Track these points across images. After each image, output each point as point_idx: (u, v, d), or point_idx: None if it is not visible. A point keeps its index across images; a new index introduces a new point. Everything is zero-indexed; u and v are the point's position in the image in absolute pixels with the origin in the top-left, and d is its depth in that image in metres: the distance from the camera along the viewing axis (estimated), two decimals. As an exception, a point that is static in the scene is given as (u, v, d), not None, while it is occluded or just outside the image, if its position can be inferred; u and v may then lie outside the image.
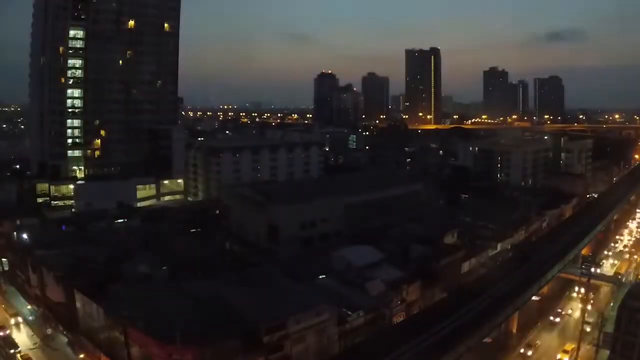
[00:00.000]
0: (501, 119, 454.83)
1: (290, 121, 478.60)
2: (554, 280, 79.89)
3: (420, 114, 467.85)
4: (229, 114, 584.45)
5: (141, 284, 64.80)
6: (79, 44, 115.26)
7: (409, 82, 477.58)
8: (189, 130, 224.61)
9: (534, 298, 72.61)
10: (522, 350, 66.30)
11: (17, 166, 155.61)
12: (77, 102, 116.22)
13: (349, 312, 55.95)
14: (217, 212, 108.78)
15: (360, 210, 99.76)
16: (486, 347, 61.03)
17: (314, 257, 76.52)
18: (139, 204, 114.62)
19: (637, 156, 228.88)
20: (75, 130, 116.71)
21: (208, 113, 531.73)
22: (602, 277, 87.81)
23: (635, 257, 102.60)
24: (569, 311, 78.90)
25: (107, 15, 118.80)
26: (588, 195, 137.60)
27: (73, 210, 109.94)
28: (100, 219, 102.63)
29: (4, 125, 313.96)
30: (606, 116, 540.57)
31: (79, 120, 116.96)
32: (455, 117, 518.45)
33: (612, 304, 75.29)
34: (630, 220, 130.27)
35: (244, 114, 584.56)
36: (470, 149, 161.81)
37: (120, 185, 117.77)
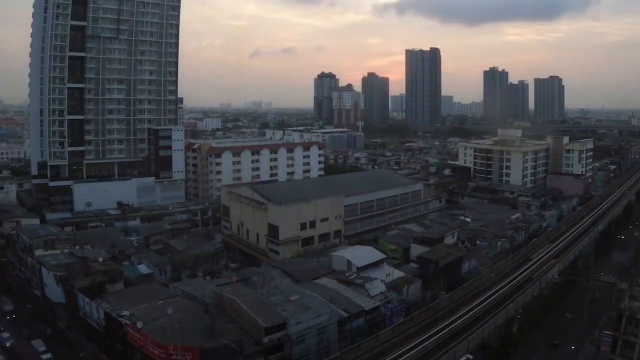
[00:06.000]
0: (501, 119, 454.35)
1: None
2: (554, 280, 79.90)
3: (421, 114, 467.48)
4: (230, 114, 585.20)
5: (141, 284, 64.91)
6: (78, 44, 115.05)
7: (409, 82, 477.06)
8: (189, 130, 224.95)
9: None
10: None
11: (17, 166, 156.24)
12: (77, 102, 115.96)
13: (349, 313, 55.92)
14: (217, 212, 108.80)
15: (360, 211, 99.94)
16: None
17: (314, 257, 76.59)
18: (138, 204, 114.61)
19: (638, 156, 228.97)
20: (75, 130, 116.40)
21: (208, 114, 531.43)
22: (602, 278, 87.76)
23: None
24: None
25: (107, 15, 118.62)
26: (588, 195, 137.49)
27: (73, 210, 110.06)
28: (100, 219, 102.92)
29: (4, 126, 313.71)
30: (607, 116, 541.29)
31: (79, 120, 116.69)
32: (455, 116, 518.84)
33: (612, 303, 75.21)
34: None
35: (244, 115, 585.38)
36: (471, 149, 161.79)
37: (120, 185, 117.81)
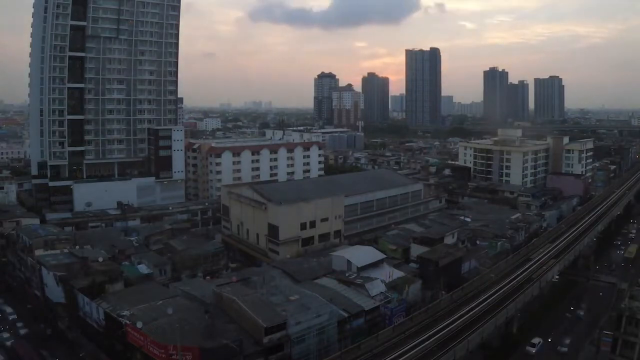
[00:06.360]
0: (501, 119, 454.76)
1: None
2: (554, 280, 79.89)
3: (421, 114, 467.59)
4: (230, 114, 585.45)
5: (141, 284, 64.92)
6: (78, 44, 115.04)
7: (409, 82, 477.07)
8: (189, 130, 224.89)
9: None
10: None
11: (17, 166, 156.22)
12: (77, 102, 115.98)
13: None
14: (217, 212, 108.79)
15: (360, 211, 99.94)
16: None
17: (314, 257, 76.57)
18: (138, 204, 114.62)
19: (638, 156, 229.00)
20: (75, 130, 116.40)
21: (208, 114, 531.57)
22: (602, 278, 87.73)
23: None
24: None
25: (107, 15, 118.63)
26: (588, 195, 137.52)
27: (73, 210, 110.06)
28: (100, 219, 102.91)
29: (4, 126, 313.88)
30: (607, 116, 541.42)
31: (79, 120, 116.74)
32: (455, 116, 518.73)
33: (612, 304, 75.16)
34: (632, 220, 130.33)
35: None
36: (471, 149, 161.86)
37: (120, 185, 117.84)
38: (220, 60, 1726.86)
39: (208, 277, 72.99)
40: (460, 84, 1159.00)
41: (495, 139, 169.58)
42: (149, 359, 46.91)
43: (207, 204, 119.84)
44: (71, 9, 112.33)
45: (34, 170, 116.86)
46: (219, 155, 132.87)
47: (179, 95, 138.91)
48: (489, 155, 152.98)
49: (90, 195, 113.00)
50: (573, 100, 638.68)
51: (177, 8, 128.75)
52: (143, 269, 70.55)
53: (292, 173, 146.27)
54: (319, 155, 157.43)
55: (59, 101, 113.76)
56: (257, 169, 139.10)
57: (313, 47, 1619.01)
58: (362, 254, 70.23)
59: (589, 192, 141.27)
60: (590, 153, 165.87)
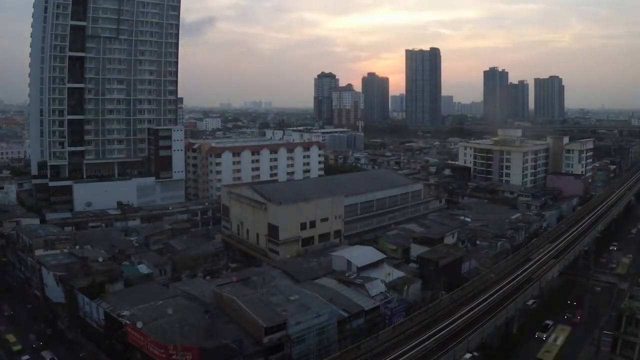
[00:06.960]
0: (501, 119, 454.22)
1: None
2: (554, 280, 79.87)
3: (421, 114, 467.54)
4: (230, 114, 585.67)
5: (141, 284, 64.92)
6: (78, 44, 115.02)
7: (409, 82, 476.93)
8: (189, 130, 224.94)
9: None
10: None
11: (17, 166, 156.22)
12: (77, 102, 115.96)
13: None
14: (217, 212, 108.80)
15: (360, 211, 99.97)
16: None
17: (314, 257, 76.59)
18: (138, 204, 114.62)
19: (638, 156, 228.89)
20: (75, 130, 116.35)
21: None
22: (602, 278, 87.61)
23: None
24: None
25: (107, 15, 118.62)
26: (588, 195, 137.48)
27: (73, 210, 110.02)
28: (100, 219, 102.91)
29: (4, 126, 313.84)
30: (607, 116, 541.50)
31: (79, 120, 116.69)
32: (455, 116, 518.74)
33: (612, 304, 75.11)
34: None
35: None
36: (471, 149, 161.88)
37: (120, 185, 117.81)
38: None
39: (208, 277, 73.06)
40: (462, 83, 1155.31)
41: (495, 139, 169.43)
42: (149, 359, 46.91)
43: (207, 204, 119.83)
44: (71, 9, 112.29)
45: (34, 170, 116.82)
46: (219, 155, 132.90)
47: (179, 95, 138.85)
48: (489, 155, 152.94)
49: (90, 195, 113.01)
50: (573, 101, 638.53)
51: (177, 8, 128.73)
52: (143, 269, 70.60)
53: (292, 173, 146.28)
54: (319, 155, 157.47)
55: (59, 101, 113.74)
56: (257, 169, 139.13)
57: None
58: (362, 254, 70.24)
59: (589, 192, 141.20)
60: (590, 153, 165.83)
